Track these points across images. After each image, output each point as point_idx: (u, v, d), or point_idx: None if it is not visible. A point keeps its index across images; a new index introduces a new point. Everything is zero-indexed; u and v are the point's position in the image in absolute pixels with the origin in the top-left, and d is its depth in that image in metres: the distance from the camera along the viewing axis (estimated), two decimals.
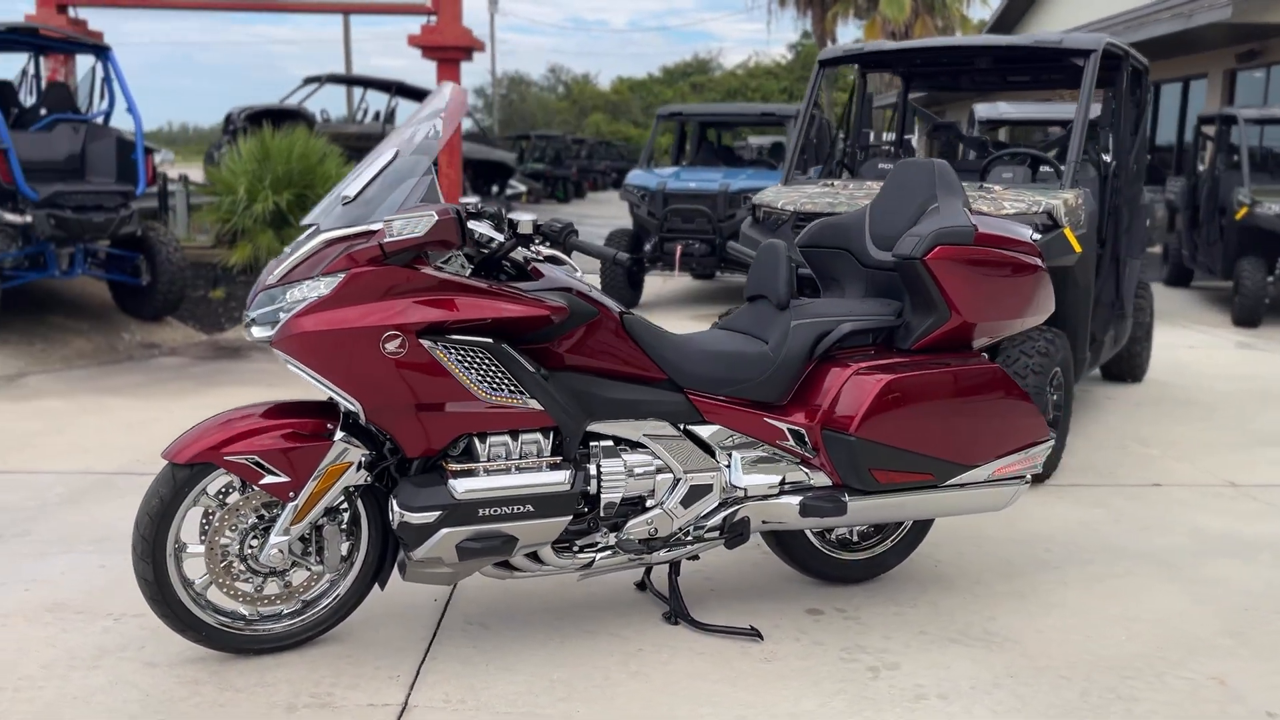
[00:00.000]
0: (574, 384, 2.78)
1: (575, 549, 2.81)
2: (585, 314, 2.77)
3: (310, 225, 2.67)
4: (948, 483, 3.04)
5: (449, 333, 2.57)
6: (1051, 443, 3.18)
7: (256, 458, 2.58)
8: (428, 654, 2.79)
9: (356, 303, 2.51)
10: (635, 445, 2.89)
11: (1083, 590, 3.32)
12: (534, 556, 2.75)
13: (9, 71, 8.63)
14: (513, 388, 2.63)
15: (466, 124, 16.90)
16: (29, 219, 6.84)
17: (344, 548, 2.74)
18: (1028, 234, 3.10)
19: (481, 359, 2.59)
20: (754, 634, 2.95)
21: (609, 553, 2.83)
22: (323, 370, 2.52)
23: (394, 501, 2.61)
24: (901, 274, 2.97)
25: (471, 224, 2.63)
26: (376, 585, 2.82)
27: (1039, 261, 3.06)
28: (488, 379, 2.60)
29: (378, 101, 15.61)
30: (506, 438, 2.68)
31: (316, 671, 2.68)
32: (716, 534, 2.95)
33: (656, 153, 13.32)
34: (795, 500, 2.96)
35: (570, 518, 2.70)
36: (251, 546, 2.67)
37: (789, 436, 3.00)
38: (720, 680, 2.70)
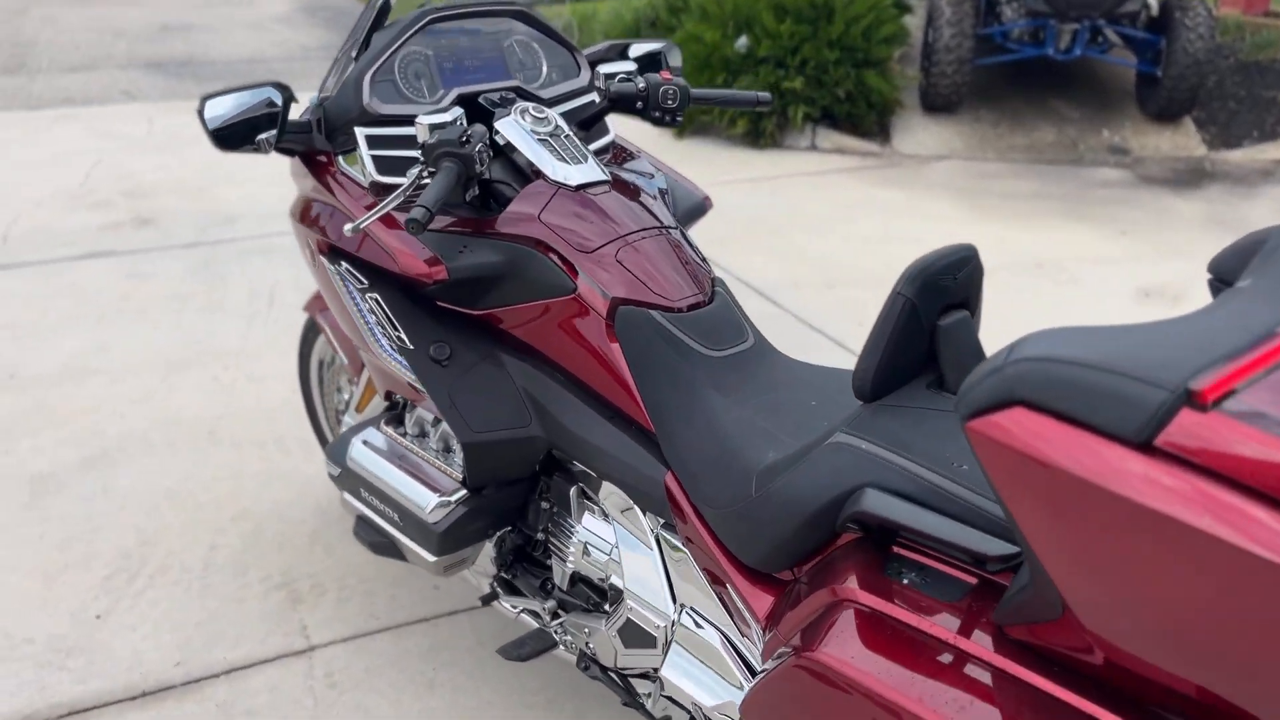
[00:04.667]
0: (526, 382, 1.80)
1: (511, 598, 1.96)
2: (545, 285, 1.72)
3: None
4: None
5: (345, 258, 1.91)
6: None
7: (331, 332, 2.41)
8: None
9: (300, 194, 2.06)
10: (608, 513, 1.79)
11: None
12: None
13: None
14: (401, 354, 1.85)
15: None
16: None
17: None
18: None
19: (371, 302, 1.87)
20: None
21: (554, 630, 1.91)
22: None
23: None
24: None
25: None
26: None
27: None
28: (380, 329, 1.88)
29: None
30: (431, 417, 1.95)
31: (309, 550, 2.51)
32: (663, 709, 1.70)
33: None
34: None
35: (438, 558, 1.87)
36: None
37: (755, 636, 1.46)
38: None
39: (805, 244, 4.72)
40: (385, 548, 2.00)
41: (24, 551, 2.55)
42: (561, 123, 1.86)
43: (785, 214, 5.15)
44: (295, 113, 1.92)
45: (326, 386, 2.62)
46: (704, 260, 1.81)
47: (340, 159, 1.90)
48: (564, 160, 1.79)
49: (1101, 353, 0.91)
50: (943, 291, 1.36)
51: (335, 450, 2.06)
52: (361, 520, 2.05)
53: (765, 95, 2.08)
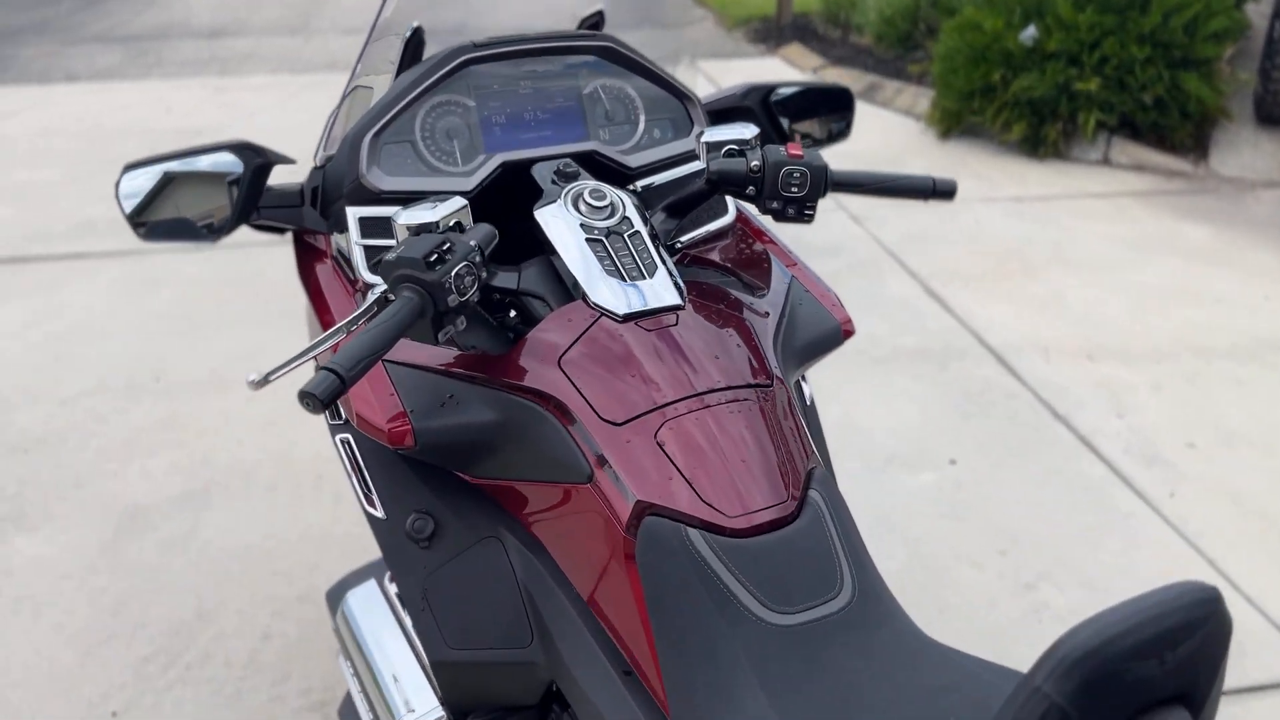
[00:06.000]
0: (532, 583, 1.27)
1: None
2: (552, 465, 1.18)
3: None
4: None
5: None
6: None
7: None
8: None
9: None
10: None
11: None
12: None
13: None
14: (370, 522, 1.36)
15: None
16: None
17: None
18: None
19: (342, 445, 1.39)
20: None
21: None
22: None
23: None
24: None
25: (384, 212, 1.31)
26: None
27: None
28: (354, 480, 1.39)
29: None
30: None
31: None
32: None
33: None
34: None
35: None
36: None
37: None
38: None
39: (1070, 292, 3.85)
40: None
41: (80, 608, 2.32)
42: (633, 211, 1.29)
43: (1051, 247, 4.27)
44: (296, 175, 1.46)
45: None
46: (806, 440, 1.20)
47: (338, 239, 1.43)
48: (617, 273, 1.23)
49: None
50: (1136, 686, 0.71)
51: (334, 595, 1.63)
52: (348, 700, 1.60)
53: (949, 182, 1.41)
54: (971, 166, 5.26)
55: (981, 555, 2.47)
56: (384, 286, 1.14)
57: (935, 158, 5.39)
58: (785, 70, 7.44)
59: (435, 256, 1.11)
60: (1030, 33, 5.20)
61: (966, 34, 5.39)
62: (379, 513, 1.31)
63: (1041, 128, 5.24)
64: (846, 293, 3.76)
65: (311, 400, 1.00)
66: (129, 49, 8.27)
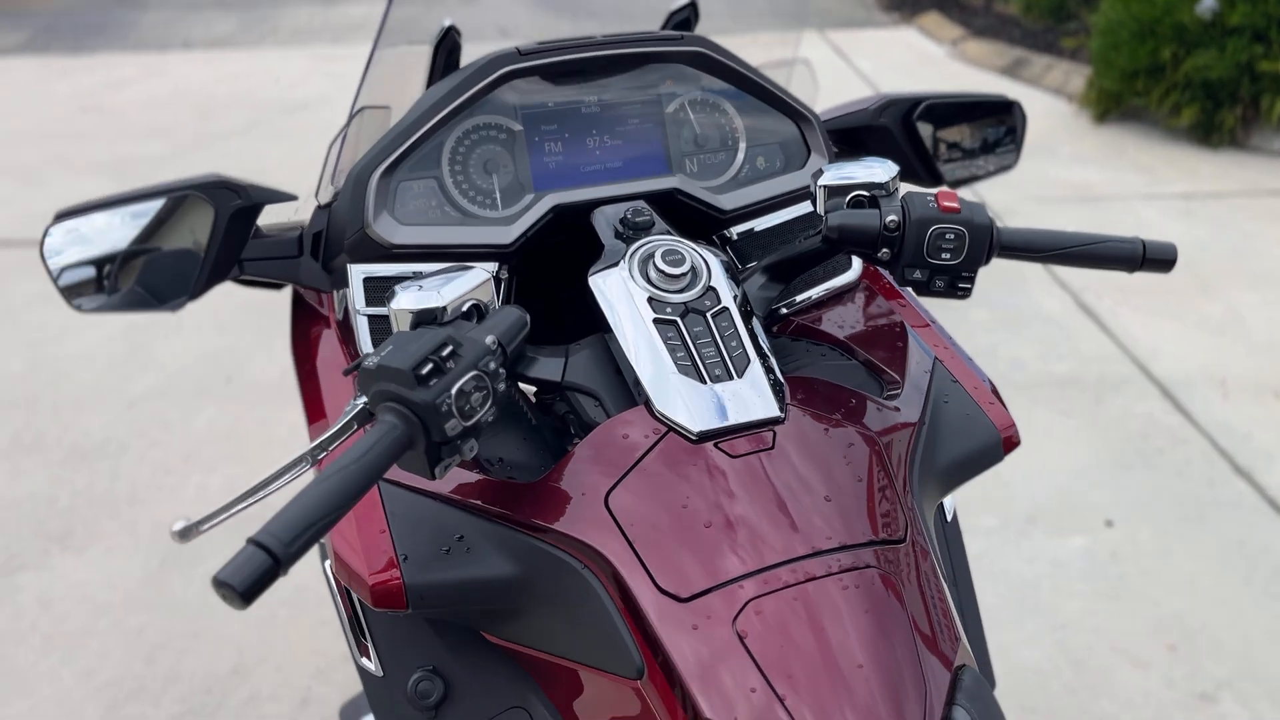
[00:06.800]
0: None
1: None
2: (589, 646, 0.85)
3: None
4: None
5: None
6: None
7: None
8: None
9: None
10: None
11: None
12: None
13: None
14: (363, 678, 1.05)
15: None
16: None
17: None
18: None
19: (333, 576, 1.09)
20: None
21: None
22: None
23: None
24: None
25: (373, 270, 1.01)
26: None
27: None
28: (346, 624, 1.08)
29: None
30: None
31: None
32: None
33: None
34: None
35: None
36: None
37: None
38: None
39: (1251, 312, 3.32)
40: None
41: (113, 651, 2.11)
42: (720, 279, 0.95)
43: (1228, 257, 3.72)
44: (286, 214, 1.16)
45: None
46: (952, 623, 0.85)
47: (344, 296, 1.12)
48: (694, 369, 0.89)
49: None
50: None
51: (349, 714, 1.35)
52: None
53: (1166, 248, 1.02)
54: (1132, 156, 4.69)
55: (1145, 650, 2.05)
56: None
57: (1089, 145, 4.84)
58: (921, 42, 6.88)
59: (430, 366, 0.78)
60: (1209, 4, 4.59)
61: (1132, 5, 4.80)
62: (374, 668, 1.00)
63: (1217, 113, 4.63)
64: (984, 305, 3.35)
65: (229, 593, 0.69)
66: (246, 15, 8.22)
